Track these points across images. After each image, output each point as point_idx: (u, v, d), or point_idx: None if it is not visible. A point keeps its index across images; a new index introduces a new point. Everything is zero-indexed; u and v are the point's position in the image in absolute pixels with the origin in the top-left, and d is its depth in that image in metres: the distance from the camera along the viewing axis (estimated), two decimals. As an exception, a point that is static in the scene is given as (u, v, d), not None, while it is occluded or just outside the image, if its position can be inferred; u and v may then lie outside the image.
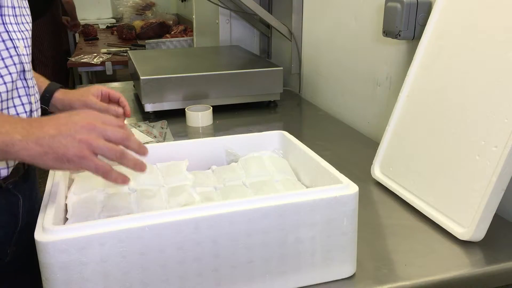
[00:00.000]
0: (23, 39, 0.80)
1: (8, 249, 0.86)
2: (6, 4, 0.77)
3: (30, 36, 0.85)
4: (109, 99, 0.98)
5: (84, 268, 0.60)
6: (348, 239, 0.71)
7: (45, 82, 0.97)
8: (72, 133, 0.63)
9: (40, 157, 0.63)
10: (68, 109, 0.92)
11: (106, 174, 0.65)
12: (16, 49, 0.77)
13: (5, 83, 0.75)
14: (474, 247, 0.81)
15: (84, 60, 2.97)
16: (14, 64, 0.77)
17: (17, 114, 0.79)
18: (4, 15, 0.76)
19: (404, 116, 1.02)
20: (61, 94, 0.96)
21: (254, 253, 0.67)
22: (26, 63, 0.80)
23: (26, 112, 0.80)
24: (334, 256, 0.71)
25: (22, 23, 0.81)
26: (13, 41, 0.77)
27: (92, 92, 0.96)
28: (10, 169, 0.80)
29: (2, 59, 0.75)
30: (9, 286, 0.93)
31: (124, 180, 0.66)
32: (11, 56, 0.76)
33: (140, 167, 0.67)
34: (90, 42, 3.69)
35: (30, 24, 0.86)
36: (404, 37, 1.11)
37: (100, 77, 3.79)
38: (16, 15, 0.80)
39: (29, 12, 0.85)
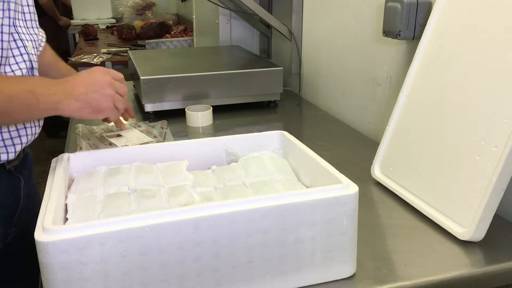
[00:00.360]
0: (31, 40, 0.90)
1: (9, 229, 0.93)
2: (17, 13, 0.88)
3: (39, 39, 0.97)
4: None
5: (84, 268, 0.60)
6: (348, 239, 0.71)
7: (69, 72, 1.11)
8: (99, 90, 0.84)
9: (79, 111, 0.82)
10: None
11: (117, 121, 0.95)
12: (26, 48, 0.88)
13: None
14: (474, 247, 0.81)
15: (84, 60, 2.97)
16: (24, 61, 0.87)
17: None
18: (16, 19, 0.87)
19: (404, 116, 1.02)
20: None
21: (254, 253, 0.67)
22: (35, 61, 0.91)
23: None
24: (334, 256, 0.71)
25: (32, 28, 0.93)
26: (22, 41, 0.87)
27: None
28: (16, 154, 0.88)
29: (14, 56, 0.85)
30: (9, 287, 0.94)
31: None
32: (21, 54, 0.86)
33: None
34: (90, 42, 3.69)
35: (38, 29, 0.97)
36: (404, 37, 1.11)
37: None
38: (25, 20, 0.91)
39: (36, 19, 0.96)
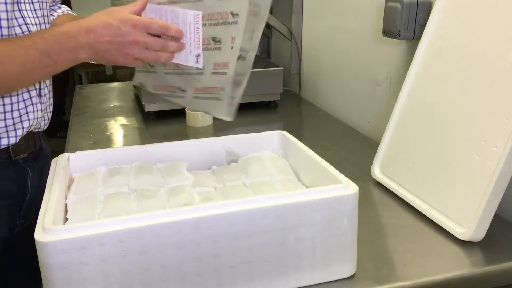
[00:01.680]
0: (36, 24, 0.90)
1: (17, 220, 0.96)
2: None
3: (46, 22, 0.96)
4: None
5: (84, 268, 0.60)
6: (348, 239, 0.71)
7: None
8: (121, 48, 0.78)
9: (97, 60, 0.81)
10: None
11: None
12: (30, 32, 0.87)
13: None
14: (474, 247, 0.81)
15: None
16: None
17: (27, 88, 0.90)
18: (21, 3, 0.87)
19: (404, 116, 1.02)
20: None
21: (254, 253, 0.67)
22: None
23: (35, 89, 0.91)
24: (334, 256, 0.71)
25: (38, 9, 0.92)
26: (27, 25, 0.87)
27: None
28: (18, 138, 0.90)
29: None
30: (9, 286, 0.94)
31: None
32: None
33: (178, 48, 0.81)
34: (90, 42, 3.67)
35: (46, 11, 0.96)
36: (404, 37, 1.11)
37: (100, 77, 3.79)
38: (33, 2, 0.90)
39: (47, 6, 0.96)
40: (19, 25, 0.86)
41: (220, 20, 0.78)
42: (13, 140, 0.89)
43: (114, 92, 1.94)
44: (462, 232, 0.82)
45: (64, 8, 1.16)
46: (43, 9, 0.94)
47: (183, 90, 0.86)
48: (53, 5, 1.14)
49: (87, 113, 1.63)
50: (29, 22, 0.88)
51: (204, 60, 0.81)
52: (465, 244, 0.82)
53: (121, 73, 3.76)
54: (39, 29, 0.91)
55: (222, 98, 0.83)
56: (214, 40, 0.79)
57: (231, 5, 0.77)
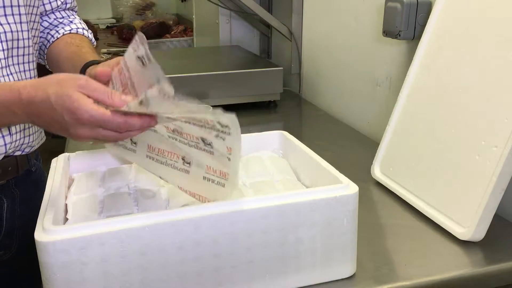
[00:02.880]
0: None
1: None
2: None
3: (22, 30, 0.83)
4: None
5: (84, 268, 0.60)
6: (348, 239, 0.71)
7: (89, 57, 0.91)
8: (65, 131, 0.64)
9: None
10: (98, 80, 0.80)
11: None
12: None
13: None
14: (474, 247, 0.81)
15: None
16: None
17: None
18: None
19: (404, 116, 1.02)
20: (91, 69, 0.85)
21: (254, 253, 0.67)
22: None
23: None
24: (334, 256, 0.71)
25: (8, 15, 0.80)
26: None
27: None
28: None
29: None
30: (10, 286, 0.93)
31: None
32: None
33: (148, 125, 0.64)
34: (90, 42, 3.68)
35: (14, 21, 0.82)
36: (404, 37, 1.11)
37: (100, 77, 3.77)
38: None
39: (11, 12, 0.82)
40: None
41: (208, 125, 0.64)
42: None
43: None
44: (462, 232, 0.82)
45: (75, 24, 1.01)
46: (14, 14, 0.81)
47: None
48: (58, 19, 1.00)
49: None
50: None
51: (195, 158, 0.68)
52: (465, 244, 0.82)
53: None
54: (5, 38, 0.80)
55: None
56: (203, 141, 0.66)
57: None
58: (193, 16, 2.63)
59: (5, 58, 0.80)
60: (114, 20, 4.50)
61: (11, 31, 0.81)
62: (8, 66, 0.81)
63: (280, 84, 1.61)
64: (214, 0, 1.97)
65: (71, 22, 1.02)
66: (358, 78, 1.44)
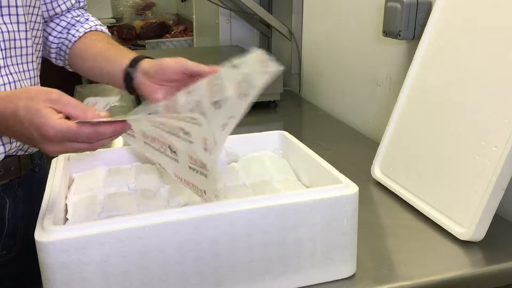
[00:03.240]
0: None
1: None
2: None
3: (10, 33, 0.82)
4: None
5: (84, 268, 0.60)
6: (348, 239, 0.71)
7: (130, 54, 0.90)
8: (35, 146, 0.64)
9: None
10: (161, 73, 0.83)
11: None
12: None
13: None
14: (474, 247, 0.81)
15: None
16: None
17: None
18: None
19: (404, 116, 1.02)
20: (148, 60, 0.86)
21: (254, 253, 0.67)
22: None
23: None
24: (334, 256, 0.71)
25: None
26: None
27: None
28: None
29: None
30: (9, 286, 0.93)
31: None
32: None
33: (121, 131, 0.64)
34: (90, 42, 3.67)
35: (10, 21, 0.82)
36: (404, 37, 1.11)
37: (100, 77, 3.77)
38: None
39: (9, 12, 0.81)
40: None
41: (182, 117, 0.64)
42: None
43: (114, 92, 1.94)
44: (462, 232, 0.82)
45: (93, 21, 1.02)
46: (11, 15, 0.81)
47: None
48: (74, 18, 1.00)
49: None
50: None
51: (178, 147, 0.69)
52: (465, 244, 0.82)
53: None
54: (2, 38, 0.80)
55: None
56: (182, 130, 0.65)
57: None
58: (193, 16, 2.63)
59: (3, 58, 0.80)
60: (114, 20, 4.50)
61: (8, 31, 0.81)
62: (7, 66, 0.81)
63: (280, 84, 1.61)
64: (214, 0, 1.97)
65: (87, 20, 1.02)
66: (358, 78, 1.44)
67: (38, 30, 0.90)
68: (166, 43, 3.38)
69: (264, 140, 0.94)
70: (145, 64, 0.85)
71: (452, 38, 0.94)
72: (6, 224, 0.87)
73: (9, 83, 0.81)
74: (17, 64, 0.84)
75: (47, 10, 0.96)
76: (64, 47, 1.00)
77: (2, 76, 0.80)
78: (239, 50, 1.93)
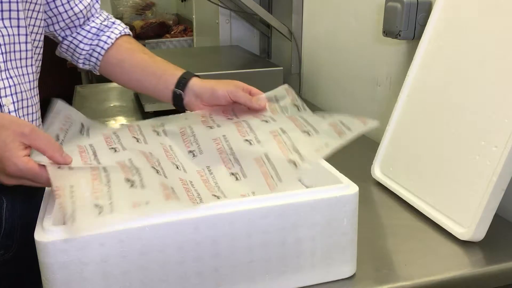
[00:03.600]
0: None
1: None
2: None
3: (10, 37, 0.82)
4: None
5: (84, 268, 0.60)
6: (348, 239, 0.71)
7: (176, 71, 0.97)
8: None
9: None
10: (214, 98, 0.90)
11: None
12: None
13: None
14: (474, 247, 0.81)
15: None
16: None
17: None
18: None
19: (404, 116, 1.02)
20: (198, 81, 0.94)
21: (254, 253, 0.67)
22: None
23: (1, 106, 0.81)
24: (334, 256, 0.71)
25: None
26: None
27: (235, 84, 0.94)
28: None
29: None
30: (9, 286, 0.93)
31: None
32: None
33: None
34: (90, 42, 3.67)
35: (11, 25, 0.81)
36: (404, 37, 1.11)
37: (100, 77, 3.78)
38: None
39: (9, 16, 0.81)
40: None
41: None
42: None
43: (114, 92, 1.94)
44: (462, 232, 0.82)
45: (119, 24, 1.03)
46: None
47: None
48: (102, 23, 1.01)
49: (86, 113, 1.62)
50: None
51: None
52: (465, 244, 0.82)
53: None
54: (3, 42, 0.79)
55: None
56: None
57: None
58: (193, 16, 2.63)
59: (3, 62, 0.80)
60: (114, 20, 4.49)
61: (8, 35, 0.81)
62: (7, 69, 0.81)
63: (280, 84, 1.60)
64: (214, 0, 1.97)
65: (113, 23, 1.04)
66: (358, 78, 1.44)
67: (37, 33, 0.90)
68: (166, 43, 3.38)
69: (264, 140, 0.94)
70: (196, 86, 0.91)
71: (452, 38, 0.94)
72: (3, 224, 0.87)
73: (9, 86, 0.81)
74: (17, 68, 0.84)
75: (66, 11, 0.97)
76: (95, 54, 1.02)
77: (2, 79, 0.80)
78: (239, 50, 1.93)
